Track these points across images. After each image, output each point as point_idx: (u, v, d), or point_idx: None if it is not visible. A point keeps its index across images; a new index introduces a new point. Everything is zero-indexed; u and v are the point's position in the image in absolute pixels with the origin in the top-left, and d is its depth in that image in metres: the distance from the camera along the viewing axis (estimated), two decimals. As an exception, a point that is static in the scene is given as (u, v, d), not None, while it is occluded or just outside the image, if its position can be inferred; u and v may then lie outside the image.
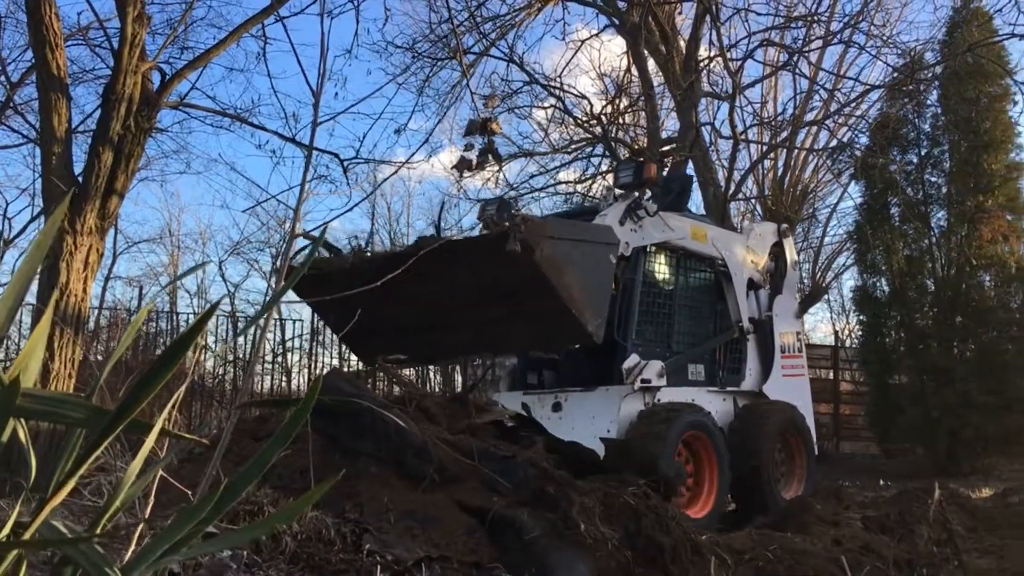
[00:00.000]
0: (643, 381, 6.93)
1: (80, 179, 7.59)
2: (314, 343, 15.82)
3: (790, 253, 9.21)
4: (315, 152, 9.65)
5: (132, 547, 1.46)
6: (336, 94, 12.84)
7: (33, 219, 13.98)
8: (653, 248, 7.56)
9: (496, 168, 13.47)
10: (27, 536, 0.88)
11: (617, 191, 7.55)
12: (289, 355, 15.69)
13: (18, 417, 1.01)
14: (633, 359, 7.00)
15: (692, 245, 7.87)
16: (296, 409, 1.15)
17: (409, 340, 7.38)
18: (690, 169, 14.98)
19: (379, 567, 2.64)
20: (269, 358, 15.02)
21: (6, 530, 0.92)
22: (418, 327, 7.26)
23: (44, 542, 0.92)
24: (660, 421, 6.68)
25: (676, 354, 7.57)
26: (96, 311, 14.08)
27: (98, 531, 0.98)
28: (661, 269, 7.82)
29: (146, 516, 1.59)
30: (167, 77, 8.07)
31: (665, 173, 12.96)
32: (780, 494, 7.63)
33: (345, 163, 10.34)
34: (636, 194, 7.27)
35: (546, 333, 6.75)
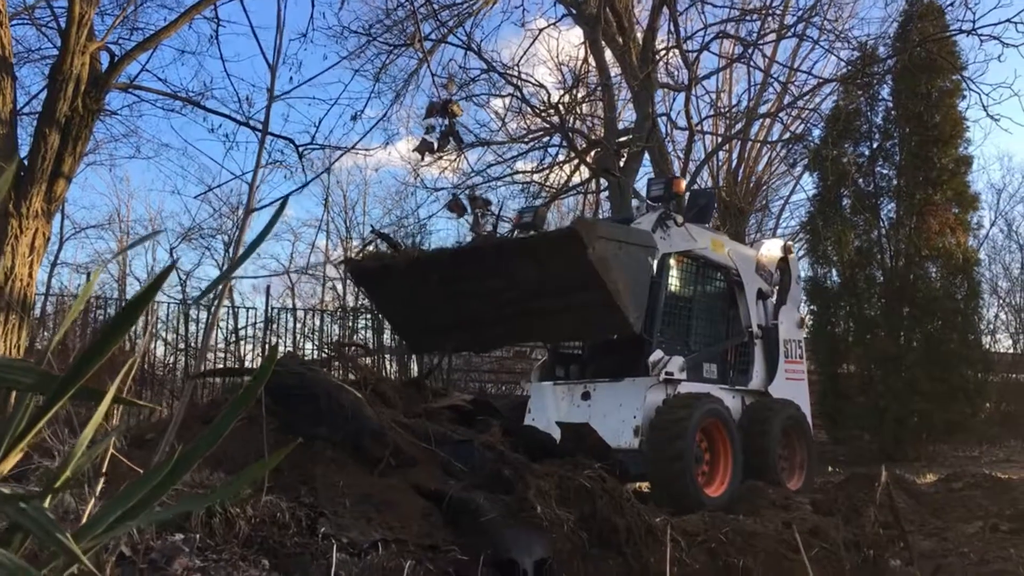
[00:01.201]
0: (667, 374, 7.53)
1: (25, 162, 7.39)
2: (267, 332, 15.64)
3: (794, 268, 9.96)
4: (270, 137, 9.54)
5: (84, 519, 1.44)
6: (291, 78, 12.63)
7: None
8: (677, 255, 8.22)
9: (457, 151, 13.44)
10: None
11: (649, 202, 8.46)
12: (242, 343, 15.49)
13: (-35, 381, 0.99)
14: (658, 354, 7.60)
15: (711, 255, 8.58)
16: (252, 378, 1.14)
17: (463, 331, 8.20)
18: (647, 160, 15.11)
19: (335, 549, 2.62)
20: (222, 346, 14.81)
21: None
22: (473, 319, 7.96)
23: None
24: (682, 407, 7.25)
25: (693, 352, 8.16)
26: (42, 298, 13.75)
27: (51, 492, 0.96)
28: (683, 275, 8.47)
29: (96, 493, 1.56)
30: (116, 58, 7.88)
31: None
32: (786, 484, 8.12)
33: (300, 148, 10.23)
34: (662, 207, 8.03)
35: (593, 324, 7.48)
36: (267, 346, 15.24)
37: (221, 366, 13.42)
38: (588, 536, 4.02)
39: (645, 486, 7.54)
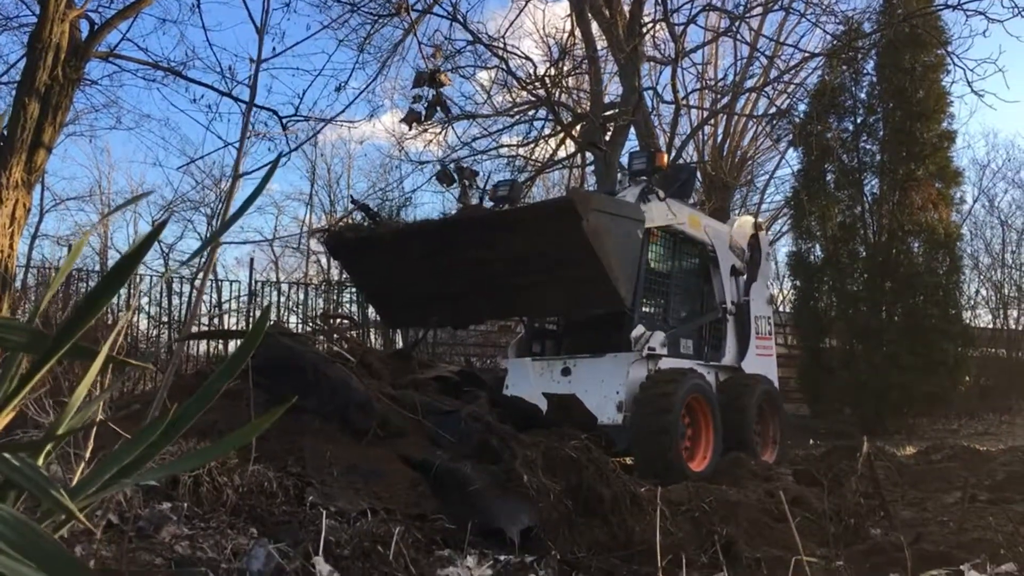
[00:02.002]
0: (649, 349, 7.53)
1: (5, 131, 7.29)
2: (251, 305, 15.58)
3: (764, 245, 9.99)
4: (254, 108, 9.43)
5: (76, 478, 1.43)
6: (274, 48, 12.48)
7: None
8: (657, 230, 8.14)
9: (445, 121, 13.35)
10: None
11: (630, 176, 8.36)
12: (226, 317, 15.42)
13: (-45, 339, 0.98)
14: (639, 329, 7.61)
15: (689, 231, 8.55)
16: (245, 339, 1.14)
17: (446, 305, 8.06)
18: (633, 134, 15.07)
19: (324, 516, 2.63)
20: (205, 320, 14.74)
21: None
22: (456, 293, 7.84)
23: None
24: (668, 382, 7.26)
25: (672, 328, 8.16)
26: (23, 270, 13.62)
27: (45, 446, 0.96)
28: (663, 250, 8.45)
29: (86, 456, 1.55)
30: (96, 26, 7.78)
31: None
32: (760, 457, 8.21)
33: (284, 120, 10.14)
34: (646, 180, 7.95)
35: (582, 298, 7.40)
36: (250, 319, 15.19)
37: (203, 348, 13.38)
38: (574, 505, 4.05)
39: (628, 459, 7.60)
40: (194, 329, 14.15)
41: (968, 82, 11.52)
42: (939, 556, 3.68)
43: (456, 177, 8.14)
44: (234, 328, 15.27)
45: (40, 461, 1.00)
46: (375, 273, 8.31)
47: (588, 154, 15.39)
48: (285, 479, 3.62)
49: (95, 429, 1.71)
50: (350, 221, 8.65)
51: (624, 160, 12.92)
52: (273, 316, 15.70)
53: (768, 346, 9.82)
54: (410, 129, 11.65)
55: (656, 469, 6.72)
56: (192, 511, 3.12)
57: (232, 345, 14.19)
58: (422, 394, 4.77)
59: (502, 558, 3.36)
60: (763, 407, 8.73)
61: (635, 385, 7.40)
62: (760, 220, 10.41)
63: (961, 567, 3.23)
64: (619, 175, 14.25)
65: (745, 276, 9.56)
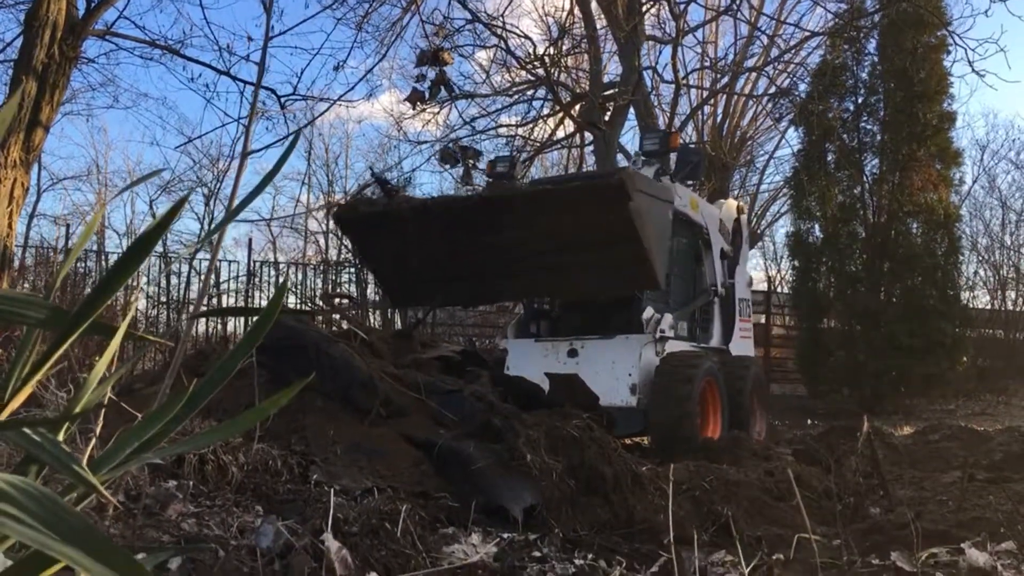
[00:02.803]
0: (660, 332, 7.50)
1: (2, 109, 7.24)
2: (250, 285, 15.57)
3: (745, 229, 10.03)
4: (250, 87, 9.39)
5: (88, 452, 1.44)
6: (273, 27, 12.38)
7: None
8: None
9: (448, 100, 13.25)
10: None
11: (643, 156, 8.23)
12: (224, 297, 15.41)
13: (-27, 315, 0.97)
14: (649, 311, 7.57)
15: (690, 213, 8.51)
16: (263, 313, 1.14)
17: (462, 286, 7.87)
18: (632, 114, 15.01)
19: (332, 493, 2.65)
20: (204, 301, 14.72)
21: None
22: (478, 273, 7.65)
23: (13, 422, 0.89)
24: (688, 366, 7.24)
25: (673, 311, 8.11)
26: (21, 249, 13.59)
27: (64, 422, 0.96)
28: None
29: (97, 431, 1.56)
30: (93, 4, 7.72)
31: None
32: (753, 434, 8.29)
33: (282, 99, 10.09)
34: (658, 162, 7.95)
35: (619, 279, 7.23)
36: (248, 300, 15.20)
37: (201, 329, 13.37)
38: (576, 484, 4.07)
39: (630, 440, 7.61)
40: (191, 308, 14.15)
41: (969, 62, 11.46)
42: (939, 535, 3.70)
43: (459, 157, 8.00)
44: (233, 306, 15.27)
45: (60, 437, 1.01)
46: (387, 250, 7.95)
47: (587, 134, 15.33)
48: (289, 457, 3.63)
49: (104, 407, 1.72)
50: (364, 195, 8.34)
51: (626, 141, 12.84)
52: (270, 296, 15.71)
53: (749, 328, 9.98)
54: (414, 109, 11.58)
55: (676, 452, 6.65)
56: (198, 489, 3.13)
57: (232, 324, 14.21)
58: (424, 374, 4.78)
59: (505, 536, 3.38)
60: (754, 387, 8.81)
61: (648, 367, 7.35)
62: (742, 204, 10.46)
63: (961, 545, 3.25)
64: (618, 155, 14.19)
65: (730, 259, 9.57)
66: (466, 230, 7.20)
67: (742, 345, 9.38)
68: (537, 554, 3.12)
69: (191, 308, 13.94)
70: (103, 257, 14.82)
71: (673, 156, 8.37)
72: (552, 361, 7.67)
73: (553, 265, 7.21)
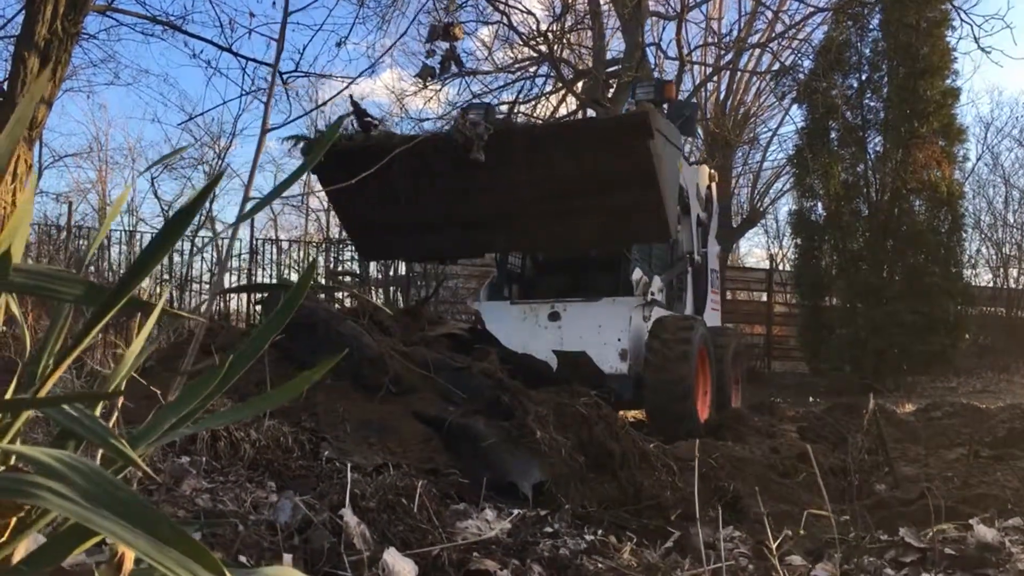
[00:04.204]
0: (651, 295, 7.11)
1: (4, 87, 7.22)
2: (252, 263, 15.57)
3: (715, 198, 9.62)
4: (252, 64, 9.35)
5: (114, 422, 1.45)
6: (274, 3, 12.29)
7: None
8: None
9: (458, 75, 13.05)
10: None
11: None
12: (227, 275, 15.41)
13: (11, 292, 0.97)
14: (638, 272, 7.19)
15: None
16: (294, 289, 1.14)
17: (444, 236, 7.18)
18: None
19: (349, 469, 2.66)
20: (207, 278, 14.74)
21: (8, 394, 0.90)
22: (466, 222, 7.00)
23: (53, 399, 0.90)
24: (684, 329, 6.87)
25: (655, 275, 7.72)
26: (24, 227, 13.56)
27: (102, 399, 0.97)
28: None
29: (118, 407, 1.57)
30: (95, -22, 7.66)
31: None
32: (731, 403, 8.24)
33: (285, 76, 10.02)
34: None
35: (628, 228, 6.66)
36: (252, 277, 15.20)
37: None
38: (584, 460, 4.09)
39: (632, 414, 7.49)
40: (195, 287, 14.16)
41: (975, 38, 11.38)
42: (946, 511, 3.72)
43: (437, 70, 7.08)
44: (235, 284, 15.28)
45: (96, 412, 1.01)
46: (361, 193, 6.64)
47: (590, 111, 15.26)
48: (300, 434, 3.64)
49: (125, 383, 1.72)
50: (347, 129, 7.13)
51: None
52: (272, 274, 15.71)
53: (718, 300, 9.69)
54: (425, 85, 11.40)
55: (671, 420, 6.47)
56: (211, 465, 3.15)
57: (235, 302, 14.20)
58: (433, 351, 4.79)
59: (516, 511, 3.41)
60: (735, 359, 8.64)
61: (638, 332, 7.01)
62: (713, 171, 9.86)
63: (970, 521, 3.27)
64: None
65: (703, 227, 9.14)
66: (456, 172, 6.51)
67: (712, 316, 9.03)
68: (548, 530, 3.14)
69: (193, 286, 13.94)
70: (107, 236, 14.79)
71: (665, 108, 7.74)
72: (531, 325, 7.24)
73: (552, 213, 6.62)
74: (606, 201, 6.36)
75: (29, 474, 0.83)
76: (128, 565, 0.97)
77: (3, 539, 0.92)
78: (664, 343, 6.75)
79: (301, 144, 6.97)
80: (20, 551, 0.96)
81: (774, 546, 2.40)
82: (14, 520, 0.91)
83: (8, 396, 0.92)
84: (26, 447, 0.85)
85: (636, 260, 7.47)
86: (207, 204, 16.83)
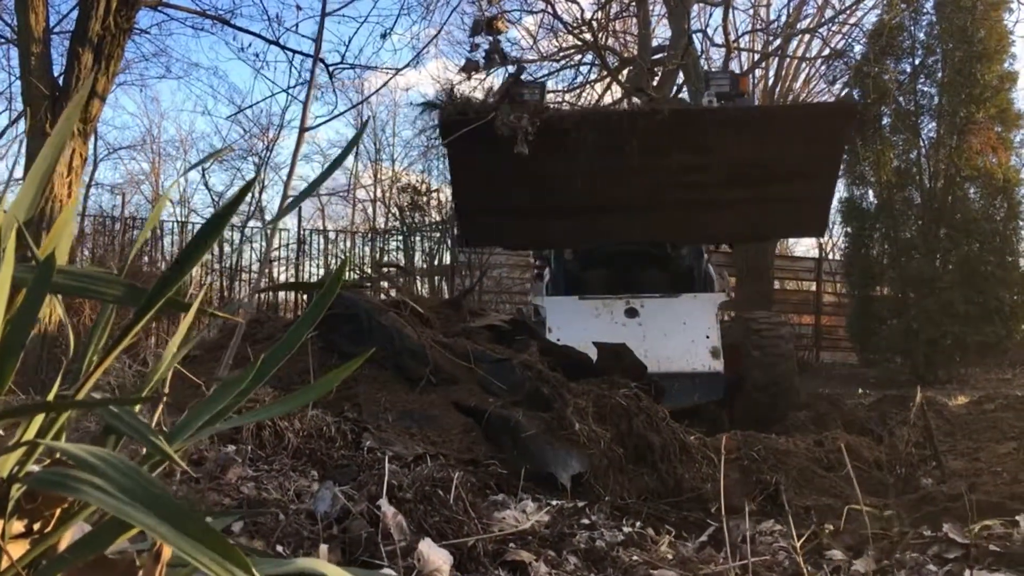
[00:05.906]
0: (730, 291, 7.15)
1: (60, 81, 7.43)
2: (300, 253, 15.79)
3: None
4: (299, 56, 9.47)
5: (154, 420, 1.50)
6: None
7: (12, 123, 13.68)
8: None
9: (503, 68, 13.03)
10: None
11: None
12: (274, 266, 15.66)
13: (54, 293, 1.02)
14: (711, 269, 7.14)
15: None
16: (328, 284, 1.17)
17: (580, 223, 7.01)
18: (681, 79, 14.78)
19: (387, 459, 2.72)
20: (256, 267, 15.00)
21: (50, 397, 0.95)
22: (611, 207, 6.77)
23: (95, 402, 0.94)
24: (781, 325, 6.85)
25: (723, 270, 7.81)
26: (80, 218, 13.94)
27: (144, 394, 1.01)
28: None
29: (162, 402, 1.62)
30: (146, -24, 7.83)
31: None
32: None
33: (331, 68, 10.14)
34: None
35: (787, 221, 6.55)
36: (298, 269, 15.42)
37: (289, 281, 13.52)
38: (624, 452, 4.10)
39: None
40: (244, 276, 14.41)
41: (1033, 20, 11.05)
42: (993, 507, 3.65)
43: (482, 63, 6.80)
44: (283, 275, 15.51)
45: (136, 409, 1.06)
46: (496, 173, 6.55)
47: (635, 100, 15.15)
48: (343, 424, 3.71)
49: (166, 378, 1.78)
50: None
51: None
52: (320, 265, 15.91)
53: None
54: (468, 79, 11.42)
55: (777, 418, 6.33)
56: (256, 454, 3.22)
57: (283, 293, 14.44)
58: (474, 342, 4.83)
59: (554, 503, 3.43)
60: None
61: (720, 328, 6.80)
62: None
63: (1016, 518, 3.21)
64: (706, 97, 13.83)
65: None
66: (614, 152, 6.07)
67: None
68: (586, 521, 3.16)
69: (242, 276, 14.17)
70: (159, 225, 15.13)
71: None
72: (606, 322, 6.89)
73: (701, 201, 6.36)
74: (769, 191, 6.16)
75: (72, 469, 0.88)
76: (167, 554, 1.02)
77: (48, 529, 0.97)
78: (770, 341, 6.61)
79: (434, 112, 6.66)
80: (65, 540, 1.01)
81: (799, 544, 2.39)
82: (59, 511, 0.96)
83: (51, 395, 0.97)
84: (69, 444, 0.90)
85: (684, 256, 7.35)
86: (254, 195, 17.07)
